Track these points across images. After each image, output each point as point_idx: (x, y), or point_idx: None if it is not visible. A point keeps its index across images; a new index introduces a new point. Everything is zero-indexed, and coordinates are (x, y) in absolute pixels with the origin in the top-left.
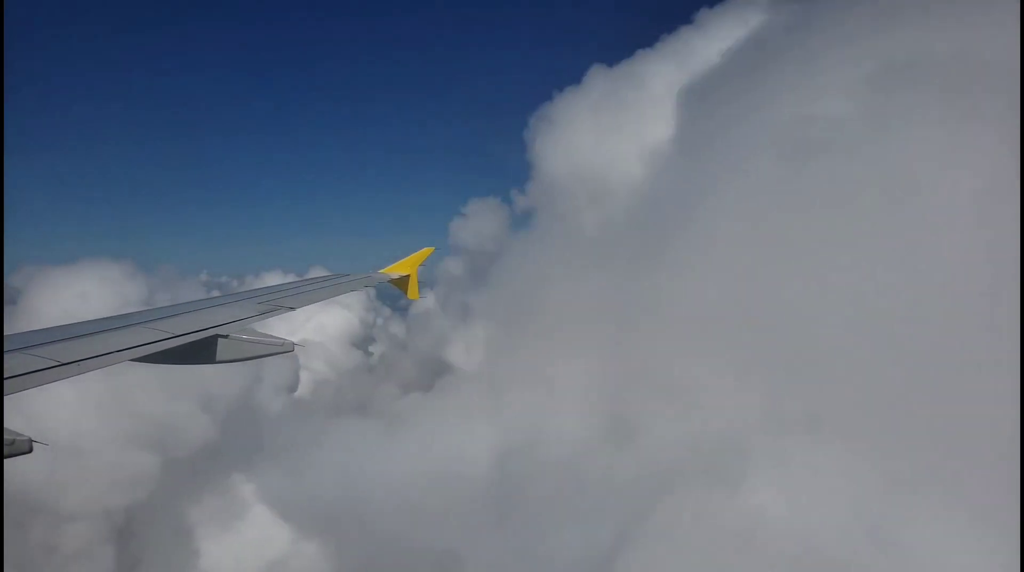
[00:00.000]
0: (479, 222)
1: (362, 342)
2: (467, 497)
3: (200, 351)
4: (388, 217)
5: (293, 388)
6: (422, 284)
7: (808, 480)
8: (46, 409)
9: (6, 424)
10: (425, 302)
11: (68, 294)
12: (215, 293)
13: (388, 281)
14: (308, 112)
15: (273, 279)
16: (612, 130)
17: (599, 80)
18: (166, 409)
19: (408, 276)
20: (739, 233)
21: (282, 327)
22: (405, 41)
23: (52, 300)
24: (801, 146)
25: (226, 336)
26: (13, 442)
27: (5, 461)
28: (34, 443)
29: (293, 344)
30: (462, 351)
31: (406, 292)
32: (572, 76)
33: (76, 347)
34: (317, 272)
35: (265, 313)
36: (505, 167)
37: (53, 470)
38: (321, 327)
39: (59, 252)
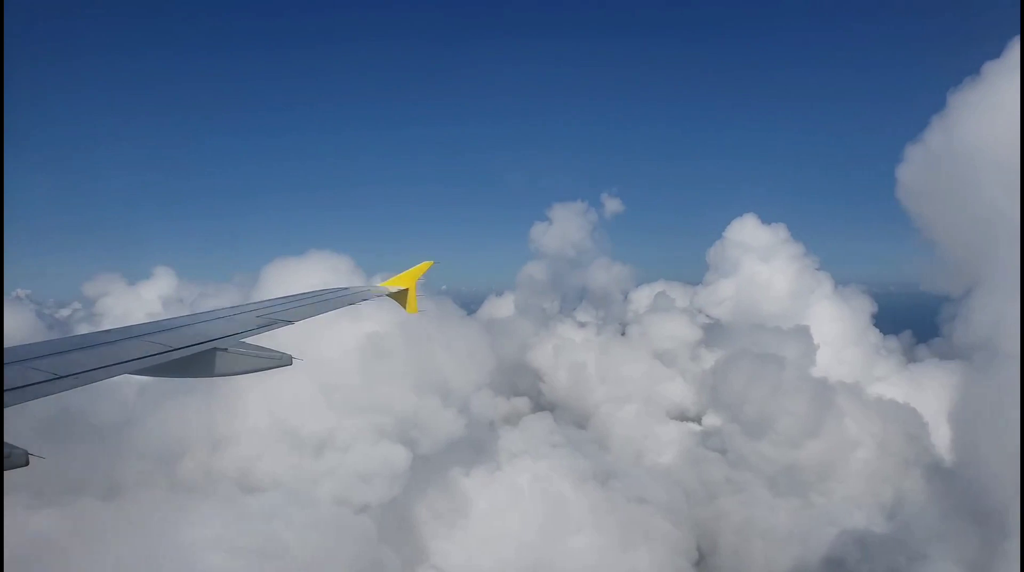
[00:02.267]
0: (563, 227)
1: None
2: None
3: (198, 364)
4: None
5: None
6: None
7: None
8: (293, 403)
9: None
10: (502, 306)
11: (303, 283)
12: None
13: (387, 295)
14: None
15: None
16: None
17: None
18: (413, 404)
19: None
20: None
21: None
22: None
23: (287, 285)
24: None
25: (224, 349)
26: (10, 455)
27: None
28: (30, 456)
29: (291, 357)
30: (548, 355)
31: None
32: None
33: (74, 360)
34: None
35: (263, 327)
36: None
37: (305, 464)
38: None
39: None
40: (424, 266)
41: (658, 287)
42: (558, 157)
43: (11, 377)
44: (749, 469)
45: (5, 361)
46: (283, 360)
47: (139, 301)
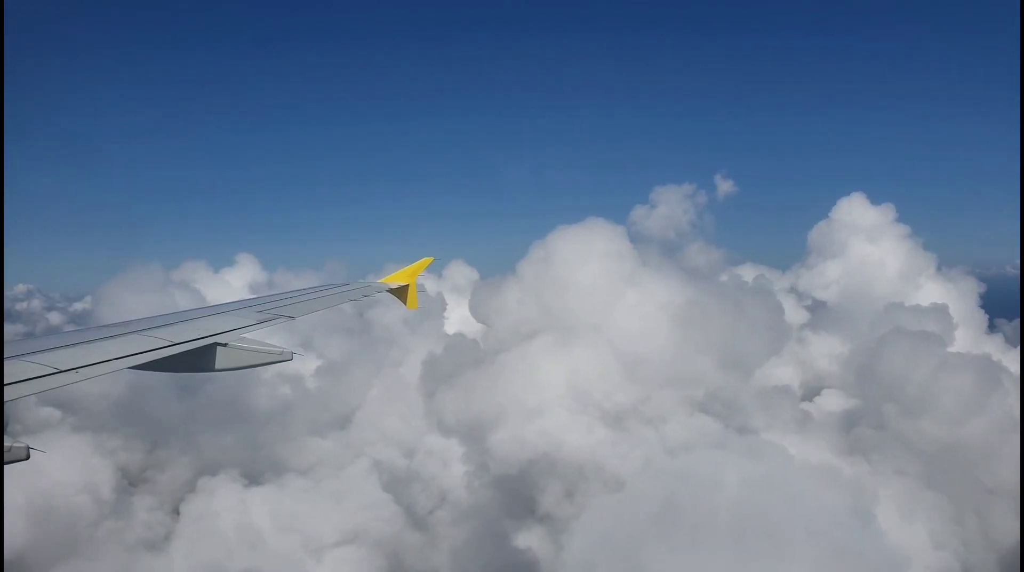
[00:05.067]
0: (668, 210)
1: None
2: None
3: (199, 359)
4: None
5: None
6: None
7: None
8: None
9: None
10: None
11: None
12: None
13: (387, 291)
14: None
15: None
16: None
17: None
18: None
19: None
20: None
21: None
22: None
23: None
24: None
25: (225, 344)
26: (10, 449)
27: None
28: (31, 450)
29: (292, 353)
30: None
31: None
32: None
33: (75, 354)
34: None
35: (264, 322)
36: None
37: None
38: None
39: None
40: (424, 262)
41: (745, 271)
42: (650, 142)
43: (11, 371)
44: (911, 449)
45: (5, 355)
46: (283, 355)
47: (227, 287)
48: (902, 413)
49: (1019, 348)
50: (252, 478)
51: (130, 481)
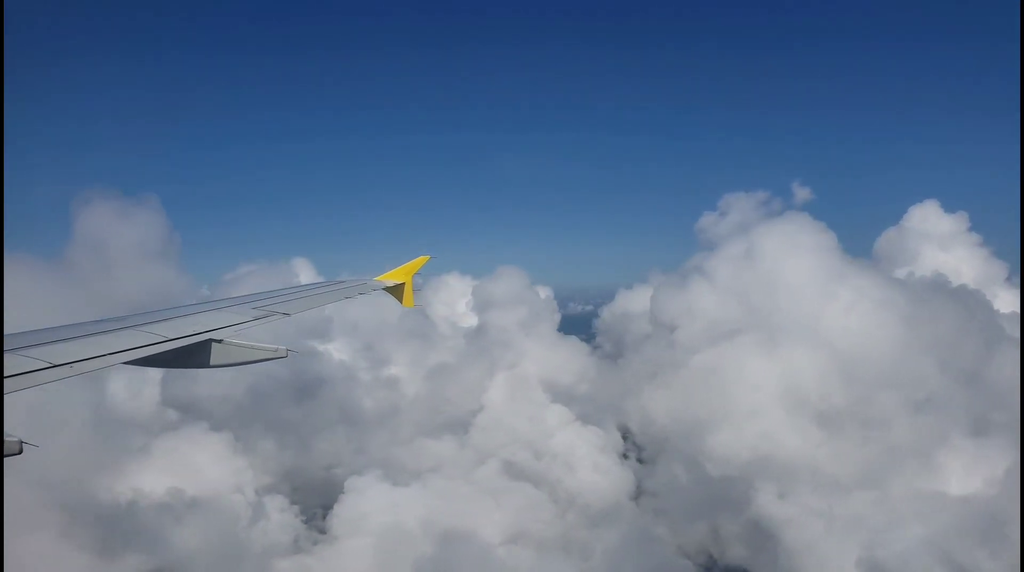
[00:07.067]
0: (739, 219)
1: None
2: None
3: (194, 355)
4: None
5: None
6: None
7: None
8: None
9: None
10: (636, 299)
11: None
12: None
13: (383, 289)
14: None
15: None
16: None
17: None
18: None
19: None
20: None
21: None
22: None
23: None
24: None
25: (220, 341)
26: (4, 443)
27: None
28: (24, 444)
29: (287, 350)
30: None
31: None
32: None
33: (69, 349)
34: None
35: (259, 318)
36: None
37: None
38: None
39: None
40: (421, 261)
41: None
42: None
43: (6, 366)
44: None
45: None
46: (279, 353)
47: None
48: (1015, 421)
49: None
50: (392, 478)
51: (265, 482)
